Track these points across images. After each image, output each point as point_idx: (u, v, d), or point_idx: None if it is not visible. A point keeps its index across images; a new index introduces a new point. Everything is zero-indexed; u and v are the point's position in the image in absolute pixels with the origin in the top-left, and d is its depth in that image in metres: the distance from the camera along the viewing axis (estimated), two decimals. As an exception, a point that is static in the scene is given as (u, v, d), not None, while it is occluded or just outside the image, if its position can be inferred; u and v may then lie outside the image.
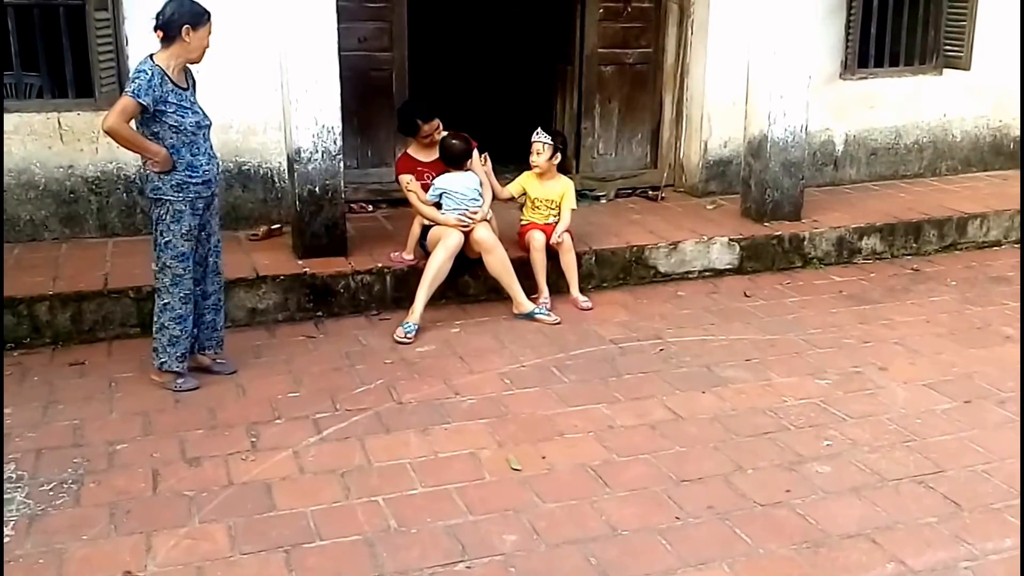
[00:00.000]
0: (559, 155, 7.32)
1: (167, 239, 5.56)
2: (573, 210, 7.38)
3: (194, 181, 5.51)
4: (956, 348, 6.52)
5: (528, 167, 7.37)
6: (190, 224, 5.56)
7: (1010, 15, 9.97)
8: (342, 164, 7.26)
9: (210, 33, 5.48)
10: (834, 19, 9.32)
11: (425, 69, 9.81)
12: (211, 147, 5.67)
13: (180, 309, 5.66)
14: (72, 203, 7.61)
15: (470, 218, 6.87)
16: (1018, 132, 10.44)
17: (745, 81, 8.45)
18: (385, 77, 8.61)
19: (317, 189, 7.18)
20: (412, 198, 7.05)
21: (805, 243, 8.20)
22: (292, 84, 7.00)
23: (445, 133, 7.14)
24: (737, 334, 6.74)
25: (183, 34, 5.39)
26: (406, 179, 7.09)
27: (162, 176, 5.47)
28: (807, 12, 8.12)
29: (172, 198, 5.49)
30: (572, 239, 7.29)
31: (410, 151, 7.29)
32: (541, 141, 7.23)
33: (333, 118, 7.11)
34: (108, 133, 5.34)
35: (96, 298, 6.50)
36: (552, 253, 7.19)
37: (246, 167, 8.00)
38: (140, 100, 5.29)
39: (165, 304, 5.66)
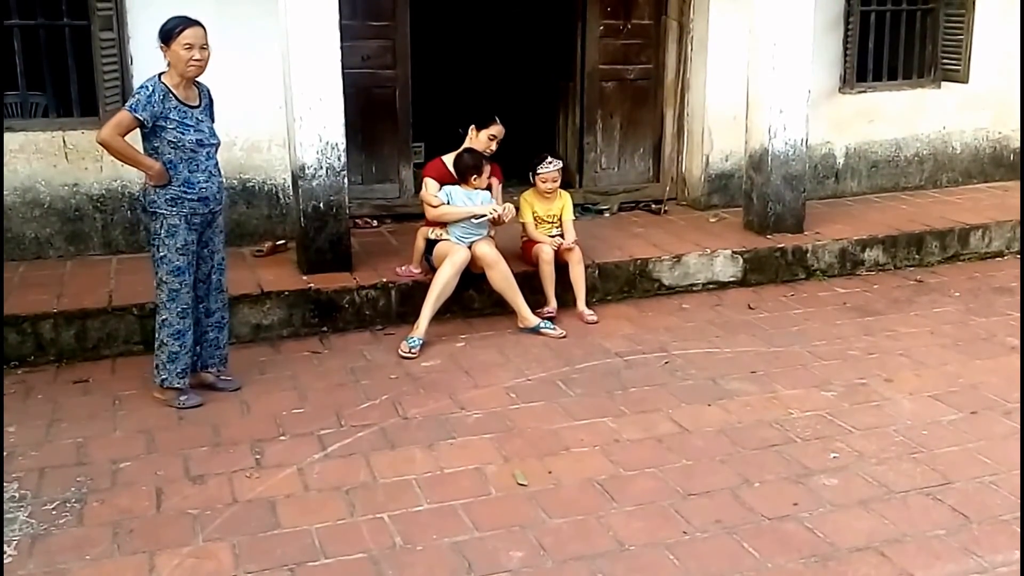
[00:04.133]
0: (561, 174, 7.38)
1: (162, 253, 5.51)
2: (573, 220, 7.39)
3: (189, 197, 5.46)
4: (961, 359, 6.43)
5: (527, 186, 7.40)
6: (185, 239, 5.50)
7: (1007, 28, 9.94)
8: (346, 180, 7.22)
9: (189, 46, 5.31)
10: (832, 34, 9.28)
11: (429, 86, 9.76)
12: (214, 166, 5.61)
13: (178, 324, 5.59)
14: (77, 221, 7.57)
15: (492, 214, 6.79)
16: (1017, 143, 10.38)
17: (745, 96, 8.40)
18: (389, 94, 8.58)
19: (321, 205, 7.12)
20: (427, 209, 6.95)
21: (808, 255, 8.13)
22: (296, 102, 6.96)
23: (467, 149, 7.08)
24: (742, 346, 6.66)
25: (162, 52, 5.39)
26: (432, 184, 6.94)
27: (157, 190, 5.45)
28: (805, 27, 8.08)
29: (166, 212, 5.45)
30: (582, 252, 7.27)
31: (445, 158, 7.14)
32: (557, 167, 7.26)
33: (337, 135, 7.06)
34: (101, 144, 5.38)
35: (100, 315, 6.43)
36: (559, 267, 7.14)
37: (251, 184, 7.96)
38: (137, 115, 5.29)
39: (163, 320, 5.60)
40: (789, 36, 8.02)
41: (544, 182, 7.24)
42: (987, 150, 10.32)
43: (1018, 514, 4.54)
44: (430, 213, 6.95)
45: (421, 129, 8.92)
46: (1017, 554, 4.22)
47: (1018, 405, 5.70)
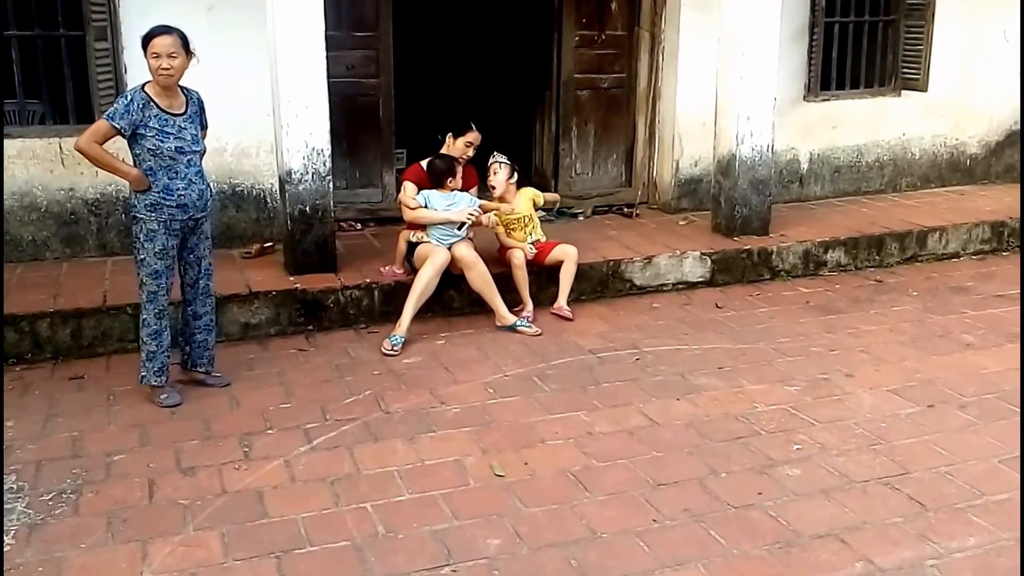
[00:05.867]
0: (515, 175, 7.30)
1: (142, 257, 5.48)
2: (549, 204, 7.62)
3: (168, 203, 5.41)
4: (918, 355, 6.47)
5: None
6: (163, 244, 5.46)
7: (964, 39, 10.01)
8: (331, 185, 7.20)
9: (156, 55, 5.25)
10: (797, 44, 9.32)
11: (411, 94, 9.77)
12: (196, 173, 5.51)
13: (155, 325, 5.57)
14: (73, 224, 7.54)
15: (473, 215, 6.82)
16: (973, 149, 10.46)
17: (714, 104, 8.42)
18: (372, 102, 8.57)
19: (308, 208, 7.11)
20: (405, 210, 6.95)
21: (773, 256, 8.17)
22: (283, 109, 6.95)
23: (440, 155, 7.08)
24: (710, 343, 6.68)
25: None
26: (411, 187, 6.95)
27: (138, 195, 5.42)
28: (771, 38, 8.10)
29: (144, 217, 5.42)
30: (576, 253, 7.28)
31: (423, 163, 7.12)
32: (499, 161, 7.25)
33: (323, 141, 7.05)
34: (78, 151, 5.37)
35: (95, 315, 6.41)
36: (547, 267, 7.19)
37: (240, 188, 7.94)
38: (113, 123, 5.27)
39: (143, 320, 5.59)
40: (756, 46, 8.05)
41: (488, 175, 7.23)
42: (944, 156, 10.38)
43: (973, 502, 4.58)
44: (407, 215, 6.96)
45: (403, 136, 8.93)
46: (971, 540, 4.27)
47: (972, 399, 5.75)
